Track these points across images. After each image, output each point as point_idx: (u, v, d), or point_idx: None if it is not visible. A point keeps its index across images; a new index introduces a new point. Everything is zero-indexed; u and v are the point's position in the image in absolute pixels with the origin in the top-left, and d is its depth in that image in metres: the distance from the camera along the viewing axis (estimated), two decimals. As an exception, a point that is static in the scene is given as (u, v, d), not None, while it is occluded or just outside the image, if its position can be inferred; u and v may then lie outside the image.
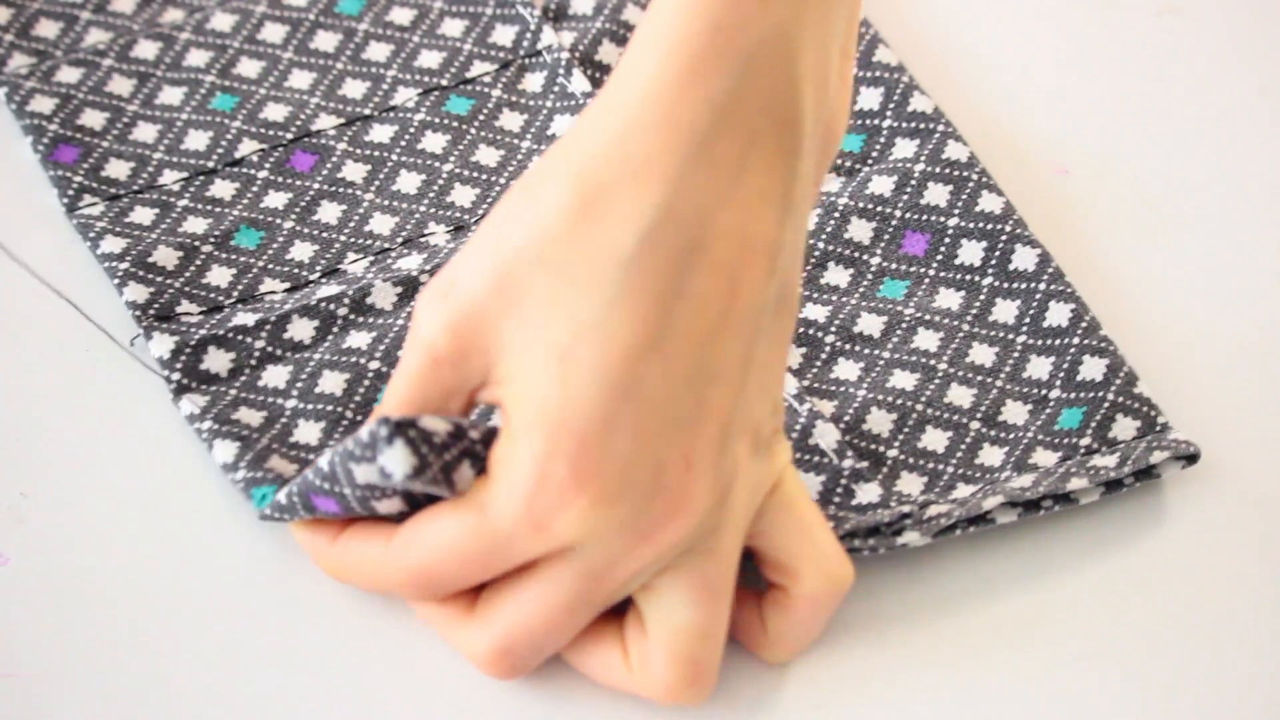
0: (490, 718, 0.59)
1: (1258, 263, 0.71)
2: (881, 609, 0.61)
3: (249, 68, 0.73)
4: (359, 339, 0.66)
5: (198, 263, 0.68)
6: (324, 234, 0.69)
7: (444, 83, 0.73)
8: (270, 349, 0.66)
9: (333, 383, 0.65)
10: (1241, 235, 0.72)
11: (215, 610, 0.61)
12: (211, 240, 0.69)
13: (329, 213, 0.70)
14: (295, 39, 0.74)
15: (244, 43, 0.74)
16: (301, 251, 0.69)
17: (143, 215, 0.70)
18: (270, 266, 0.68)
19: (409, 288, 0.67)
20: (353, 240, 0.69)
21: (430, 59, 0.74)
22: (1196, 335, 0.68)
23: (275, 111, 0.72)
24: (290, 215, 0.70)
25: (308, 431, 0.64)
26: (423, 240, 0.69)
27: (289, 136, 0.72)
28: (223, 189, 0.70)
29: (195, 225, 0.69)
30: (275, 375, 0.65)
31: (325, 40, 0.74)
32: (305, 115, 0.72)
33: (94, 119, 0.72)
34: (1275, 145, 0.75)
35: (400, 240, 0.69)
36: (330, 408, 0.65)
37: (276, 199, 0.70)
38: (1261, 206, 0.73)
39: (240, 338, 0.66)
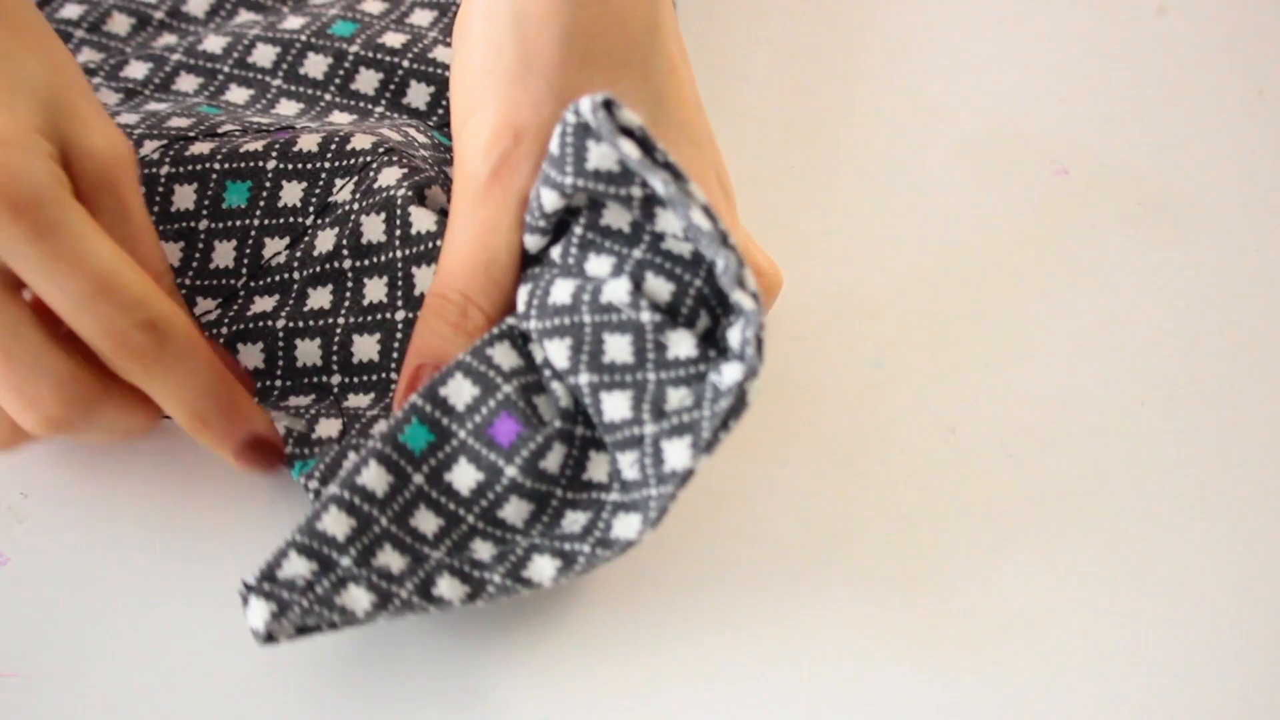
0: None
1: (1256, 262, 0.71)
2: (882, 603, 0.61)
3: (238, 94, 0.72)
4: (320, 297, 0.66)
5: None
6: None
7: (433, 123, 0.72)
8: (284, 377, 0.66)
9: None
10: (1240, 235, 0.72)
11: (215, 610, 0.61)
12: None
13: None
14: (285, 62, 0.73)
15: (234, 67, 0.73)
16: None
17: None
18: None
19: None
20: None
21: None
22: (1195, 335, 0.69)
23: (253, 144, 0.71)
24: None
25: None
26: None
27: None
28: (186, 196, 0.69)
29: (172, 253, 0.68)
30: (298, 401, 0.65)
31: (315, 64, 0.73)
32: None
33: None
34: (1273, 145, 0.75)
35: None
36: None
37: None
38: (1260, 206, 0.73)
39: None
